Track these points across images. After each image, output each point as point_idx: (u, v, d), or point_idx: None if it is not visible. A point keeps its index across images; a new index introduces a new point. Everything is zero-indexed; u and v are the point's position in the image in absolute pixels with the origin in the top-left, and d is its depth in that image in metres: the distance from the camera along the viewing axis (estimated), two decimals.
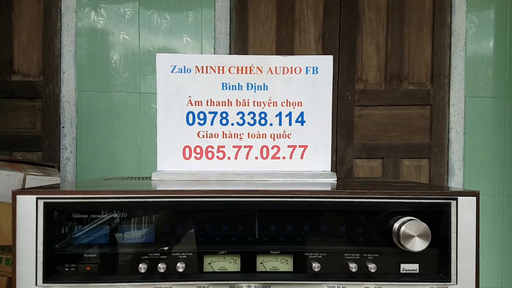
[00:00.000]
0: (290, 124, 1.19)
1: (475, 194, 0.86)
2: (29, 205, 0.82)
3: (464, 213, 0.85)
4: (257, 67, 1.19)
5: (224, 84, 1.19)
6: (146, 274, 0.84)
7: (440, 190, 0.90)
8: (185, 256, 0.86)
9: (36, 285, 0.82)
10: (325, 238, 0.88)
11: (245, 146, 1.19)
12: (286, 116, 1.19)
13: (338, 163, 2.88)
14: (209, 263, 0.86)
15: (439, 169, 2.90)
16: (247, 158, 1.19)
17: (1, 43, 2.81)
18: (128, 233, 0.86)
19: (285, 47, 2.87)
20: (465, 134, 2.88)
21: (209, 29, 2.85)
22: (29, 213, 0.82)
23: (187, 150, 1.18)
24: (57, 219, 0.84)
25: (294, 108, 1.19)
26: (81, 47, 2.83)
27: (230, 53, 2.83)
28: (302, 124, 1.19)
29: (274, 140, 1.19)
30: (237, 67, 1.19)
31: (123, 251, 0.86)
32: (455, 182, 2.88)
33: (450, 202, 0.85)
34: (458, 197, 0.85)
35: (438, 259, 0.87)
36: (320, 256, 0.87)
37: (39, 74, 2.83)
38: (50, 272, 0.83)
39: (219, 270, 0.86)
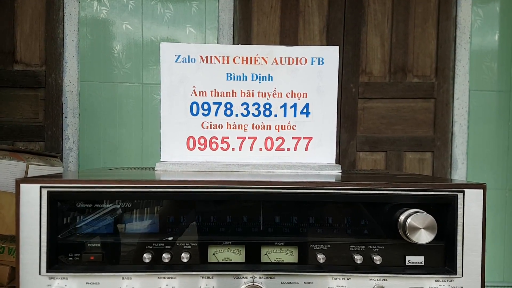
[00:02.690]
0: (295, 116, 1.18)
1: (482, 186, 0.85)
2: (33, 194, 0.82)
3: (470, 205, 0.85)
4: (262, 58, 1.18)
5: (229, 75, 1.18)
6: (150, 264, 0.84)
7: (447, 182, 0.89)
8: (189, 247, 0.85)
9: (39, 274, 0.82)
10: (330, 230, 0.87)
11: (249, 137, 1.18)
12: (291, 107, 1.18)
13: (341, 156, 2.88)
14: (214, 254, 0.86)
15: (442, 163, 2.89)
16: (251, 149, 1.19)
17: (3, 33, 2.80)
18: (132, 223, 0.86)
19: (289, 38, 2.86)
20: (468, 128, 2.88)
21: (213, 20, 2.84)
22: (32, 202, 0.82)
23: (191, 140, 1.18)
24: (61, 208, 0.83)
25: (299, 99, 1.19)
26: (84, 37, 2.82)
27: (233, 44, 2.82)
28: (307, 116, 1.18)
29: (278, 131, 1.18)
30: (242, 58, 1.18)
31: (127, 241, 0.85)
32: (458, 175, 2.88)
33: (457, 195, 0.85)
34: (465, 190, 0.85)
35: (443, 251, 0.86)
36: (325, 248, 0.86)
37: (41, 63, 2.82)
38: (54, 261, 0.83)
39: (223, 261, 0.86)
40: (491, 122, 2.89)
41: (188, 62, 1.17)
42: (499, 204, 2.89)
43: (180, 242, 0.86)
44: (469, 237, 0.85)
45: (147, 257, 0.83)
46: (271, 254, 0.86)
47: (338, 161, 2.86)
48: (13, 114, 2.82)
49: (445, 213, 0.85)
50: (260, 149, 1.19)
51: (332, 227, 0.87)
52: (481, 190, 0.85)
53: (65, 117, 2.82)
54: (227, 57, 1.18)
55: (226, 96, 1.18)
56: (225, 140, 1.18)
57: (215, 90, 1.18)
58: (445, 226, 0.85)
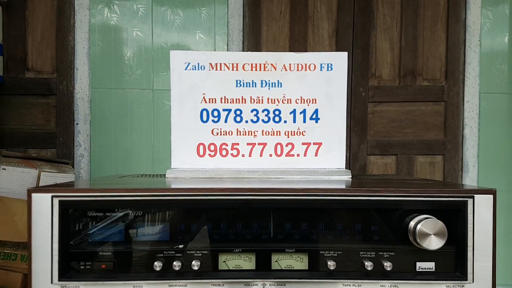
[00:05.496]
0: (304, 121, 1.19)
1: (492, 192, 0.85)
2: (45, 203, 0.82)
3: (481, 211, 0.84)
4: (271, 64, 1.19)
5: (238, 81, 1.18)
6: (161, 272, 0.84)
7: (456, 188, 0.89)
8: (200, 254, 0.86)
9: (51, 282, 0.83)
10: (340, 236, 0.87)
11: (259, 144, 1.19)
12: (301, 113, 1.19)
13: (351, 160, 2.87)
14: (224, 261, 0.86)
15: (453, 166, 2.88)
16: (261, 155, 1.19)
17: (15, 40, 2.82)
18: (143, 231, 0.86)
19: (298, 43, 2.86)
20: (479, 131, 2.86)
21: (222, 26, 2.84)
22: (44, 211, 0.82)
23: (201, 147, 1.18)
24: (72, 217, 0.84)
25: (308, 105, 1.19)
26: (95, 44, 2.84)
27: (243, 50, 2.83)
28: (316, 121, 1.19)
29: (288, 137, 1.19)
30: (251, 64, 1.19)
31: (138, 249, 0.86)
32: (470, 178, 2.86)
33: (467, 200, 0.84)
34: (474, 195, 0.84)
35: (454, 257, 0.86)
36: (336, 254, 0.87)
37: (52, 71, 2.84)
38: (66, 269, 0.84)
39: (234, 268, 0.86)
40: (502, 125, 2.87)
41: (198, 69, 1.18)
42: (510, 206, 2.87)
43: (191, 249, 0.86)
44: (480, 243, 0.85)
45: (158, 265, 0.84)
46: (281, 261, 0.87)
47: (349, 165, 2.86)
48: (25, 121, 2.84)
49: (455, 218, 0.85)
50: (270, 155, 1.19)
51: (342, 234, 0.87)
52: (491, 196, 0.85)
53: (77, 124, 2.83)
54: (236, 64, 1.18)
55: (236, 102, 1.18)
56: (235, 146, 1.18)
57: (224, 97, 1.18)
58: (456, 231, 0.85)
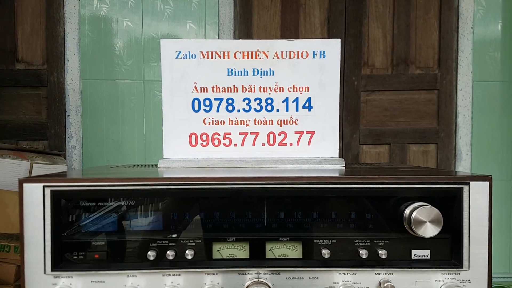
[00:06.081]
0: (297, 110, 1.18)
1: (488, 178, 0.84)
2: (36, 193, 0.82)
3: (476, 198, 0.84)
4: (263, 52, 1.18)
5: (230, 70, 1.17)
6: (155, 261, 0.84)
7: (452, 175, 0.88)
8: (193, 244, 0.85)
9: (44, 273, 0.82)
10: (334, 225, 0.87)
11: (251, 133, 1.18)
12: (293, 101, 1.18)
13: (344, 150, 2.87)
14: (218, 250, 0.85)
15: (446, 154, 2.88)
16: (253, 144, 1.18)
17: (4, 32, 2.80)
18: (136, 220, 0.85)
19: (290, 31, 2.85)
20: (472, 119, 2.87)
21: (213, 15, 2.83)
22: (36, 202, 0.82)
23: (193, 137, 1.17)
24: (64, 207, 0.83)
25: (301, 93, 1.18)
26: (85, 35, 2.82)
27: (234, 39, 2.81)
28: (309, 110, 1.18)
29: (281, 126, 1.18)
30: (243, 52, 1.17)
31: (132, 238, 0.85)
32: (463, 167, 2.87)
33: (463, 187, 0.84)
34: (470, 182, 0.84)
35: (450, 244, 0.86)
36: (330, 243, 0.86)
37: (43, 62, 2.82)
38: (59, 260, 0.83)
39: (228, 257, 0.85)
40: (495, 113, 2.88)
41: (189, 58, 1.17)
42: (504, 195, 2.88)
43: (184, 239, 0.85)
44: (475, 230, 0.84)
45: (151, 255, 0.83)
46: (275, 250, 0.86)
47: (341, 154, 2.85)
48: (16, 113, 2.82)
49: (450, 206, 0.85)
50: (263, 145, 1.18)
51: (337, 222, 0.87)
52: (487, 182, 0.84)
53: (68, 115, 2.81)
54: (228, 52, 1.17)
55: (228, 91, 1.17)
56: (227, 136, 1.18)
57: (216, 86, 1.17)
58: (451, 219, 0.85)
